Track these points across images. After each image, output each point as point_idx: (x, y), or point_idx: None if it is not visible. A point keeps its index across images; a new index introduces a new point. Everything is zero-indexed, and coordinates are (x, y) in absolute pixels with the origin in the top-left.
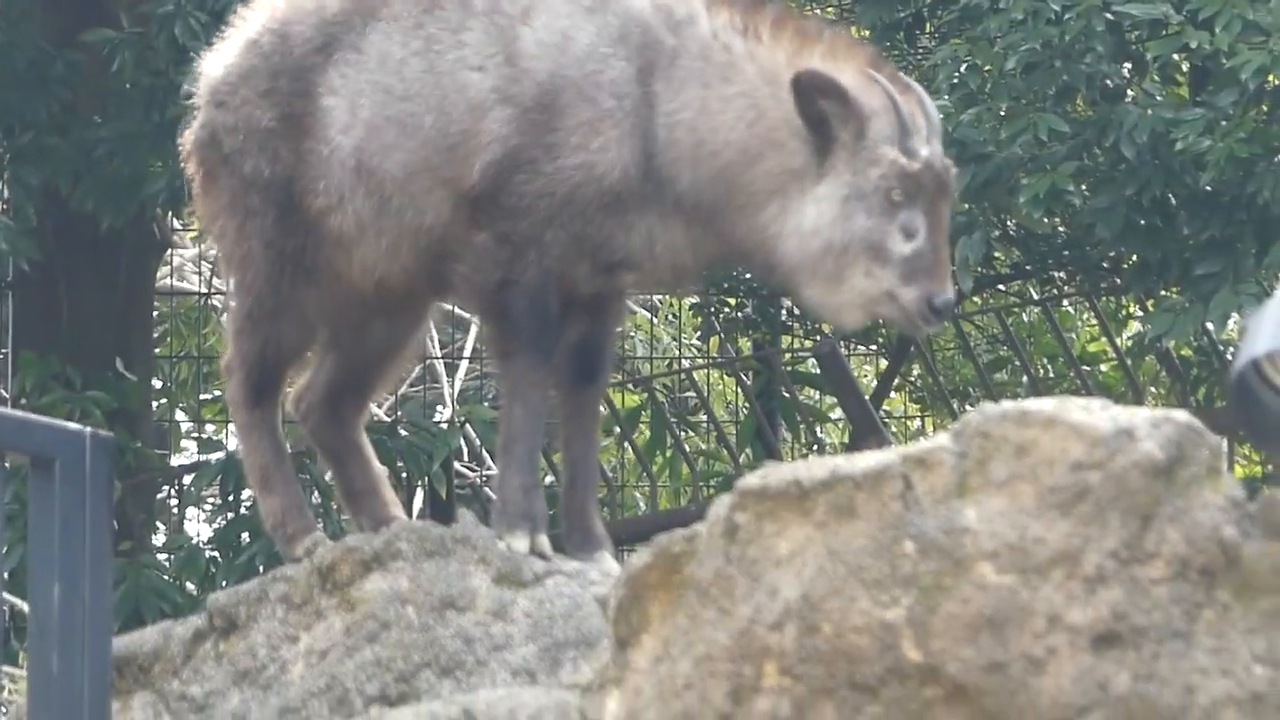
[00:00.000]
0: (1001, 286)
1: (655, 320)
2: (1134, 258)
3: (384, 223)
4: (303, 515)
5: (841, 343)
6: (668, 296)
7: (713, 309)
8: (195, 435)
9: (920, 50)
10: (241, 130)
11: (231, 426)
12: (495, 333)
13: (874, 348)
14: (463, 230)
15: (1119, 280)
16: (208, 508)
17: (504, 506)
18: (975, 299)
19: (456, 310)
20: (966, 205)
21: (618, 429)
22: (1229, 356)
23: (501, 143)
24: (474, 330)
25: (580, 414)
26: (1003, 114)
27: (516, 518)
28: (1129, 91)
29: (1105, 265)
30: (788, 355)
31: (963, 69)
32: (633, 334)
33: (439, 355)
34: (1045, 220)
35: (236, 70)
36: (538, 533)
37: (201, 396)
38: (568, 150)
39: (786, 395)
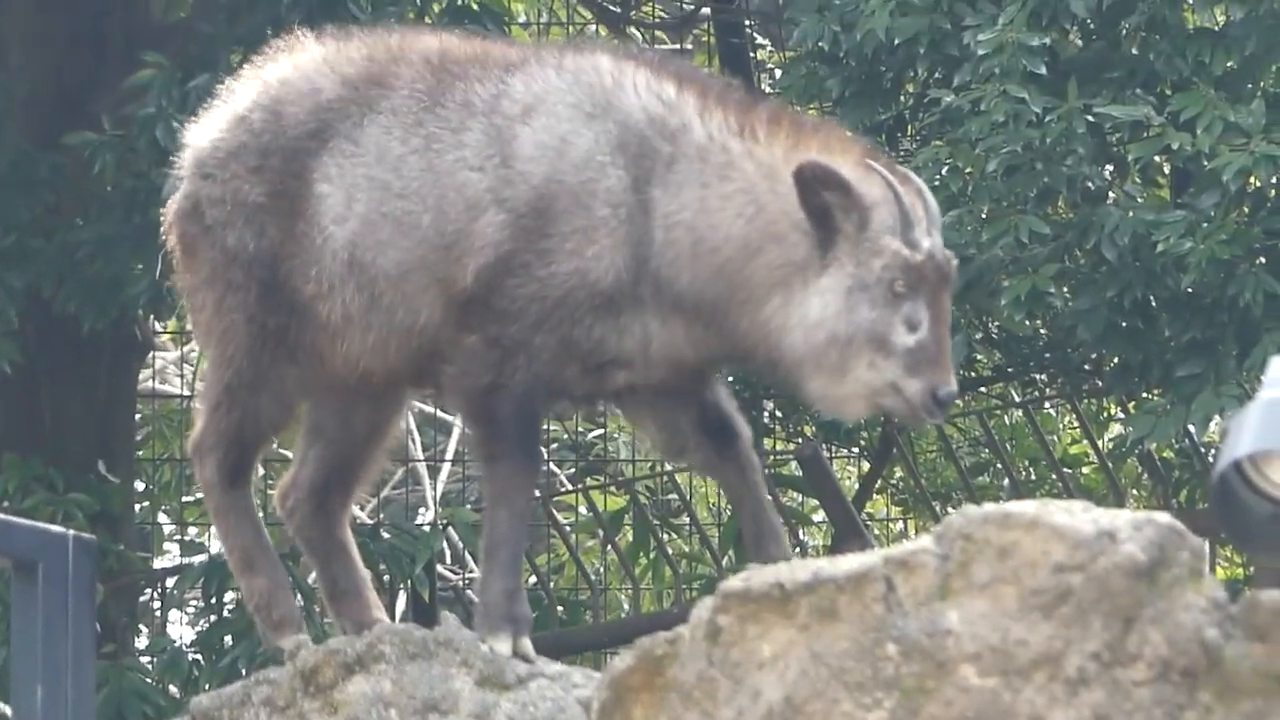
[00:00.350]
0: (983, 389)
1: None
2: (1115, 360)
3: (373, 318)
4: (287, 599)
5: (824, 445)
6: None
7: None
8: (178, 538)
9: (902, 152)
10: (228, 203)
11: (213, 529)
12: (482, 436)
13: (855, 450)
14: (452, 332)
15: (1100, 382)
16: (190, 610)
17: (487, 610)
18: (958, 401)
19: (439, 413)
20: None
21: (600, 531)
22: (1211, 459)
23: (495, 247)
24: (455, 433)
25: (739, 475)
26: (984, 216)
27: (500, 620)
28: (1110, 193)
29: (1087, 367)
30: (770, 458)
31: (944, 171)
32: (615, 435)
33: (421, 458)
34: (1027, 322)
35: (225, 144)
36: (520, 635)
37: (184, 499)
38: (561, 256)
39: (769, 498)
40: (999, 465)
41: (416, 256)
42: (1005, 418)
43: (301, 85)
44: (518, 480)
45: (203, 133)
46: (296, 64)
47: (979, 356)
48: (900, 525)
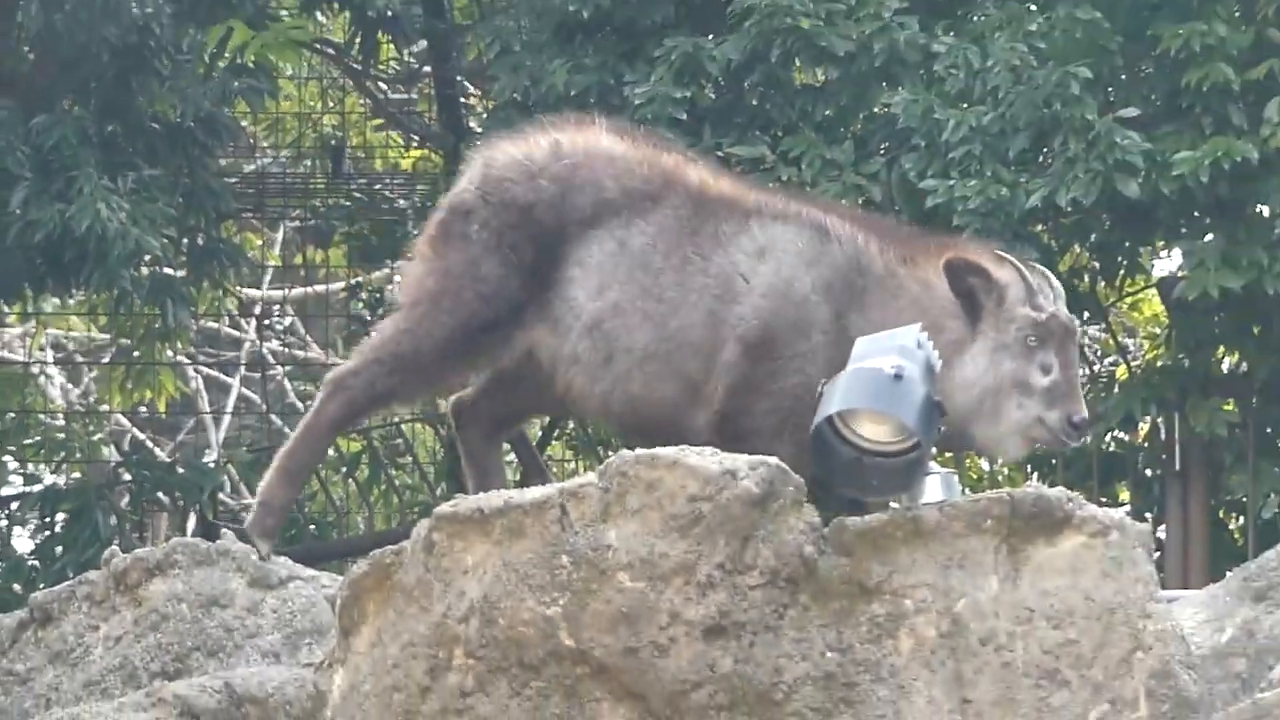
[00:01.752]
0: None
1: None
2: None
3: (605, 373)
4: (283, 518)
5: None
6: None
7: None
8: (21, 472)
9: None
10: (494, 238)
11: (48, 467)
12: None
13: None
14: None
15: None
16: (30, 527)
17: None
18: None
19: (221, 376)
20: None
21: (344, 468)
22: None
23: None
24: (234, 392)
25: None
26: None
27: None
28: None
29: None
30: None
31: None
32: None
33: (208, 411)
34: None
35: (517, 194)
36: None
37: (24, 442)
38: (789, 372)
39: None
40: None
41: (662, 350)
42: None
43: (590, 175)
44: None
45: (500, 157)
46: (591, 150)
47: None
48: (573, 465)
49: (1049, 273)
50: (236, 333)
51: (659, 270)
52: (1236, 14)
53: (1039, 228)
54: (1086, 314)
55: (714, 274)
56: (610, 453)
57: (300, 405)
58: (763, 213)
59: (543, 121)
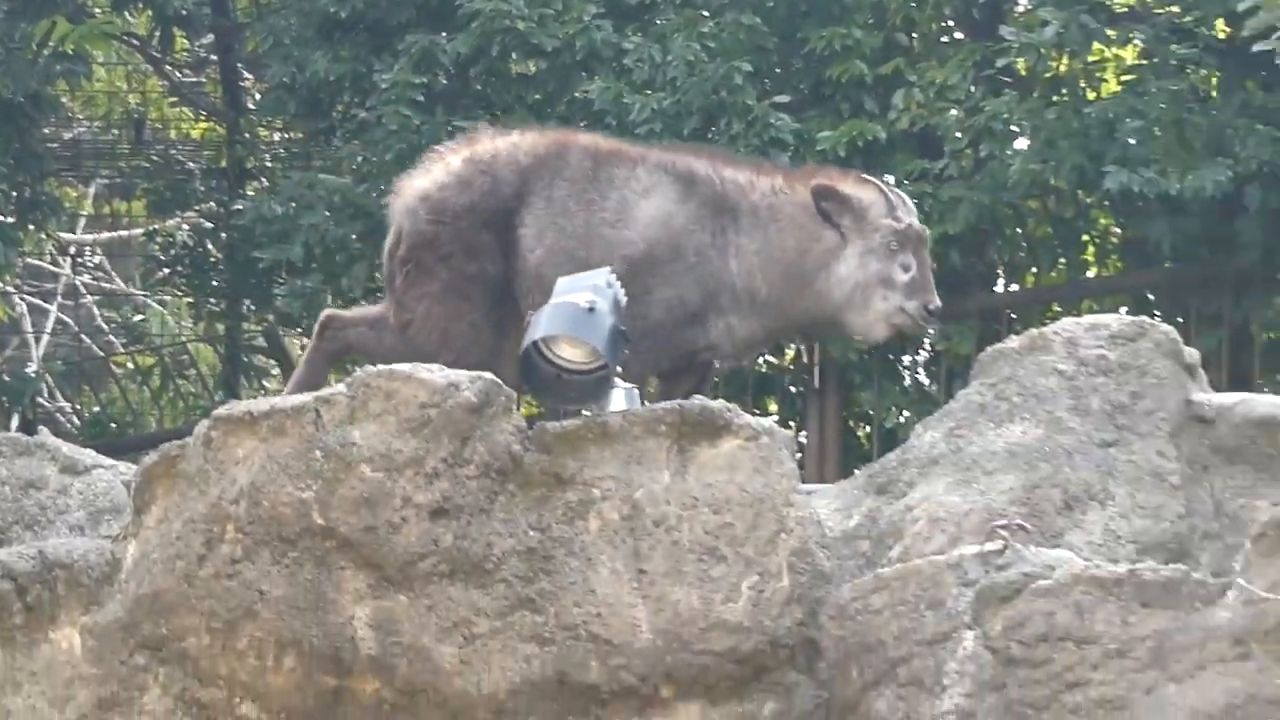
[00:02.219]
0: (379, 294)
1: (166, 311)
2: None
3: None
4: None
5: (279, 328)
6: (179, 296)
7: (204, 304)
8: None
9: (334, 148)
10: (464, 243)
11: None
12: None
13: (298, 330)
14: None
15: None
16: None
17: None
18: (364, 302)
19: (42, 303)
20: None
21: (140, 378)
22: (521, 340)
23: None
24: (52, 318)
25: None
26: (383, 189)
27: None
28: None
29: None
30: (247, 333)
31: (359, 160)
32: (147, 319)
33: (31, 331)
34: None
35: (456, 201)
36: None
37: None
38: (662, 285)
39: (246, 360)
40: None
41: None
42: None
43: (506, 158)
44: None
45: (428, 185)
46: (497, 145)
47: (376, 274)
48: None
49: (903, 193)
50: (55, 268)
51: (574, 213)
52: (870, 20)
53: None
54: None
55: (610, 208)
56: (358, 368)
57: (106, 327)
58: (647, 160)
59: (437, 150)
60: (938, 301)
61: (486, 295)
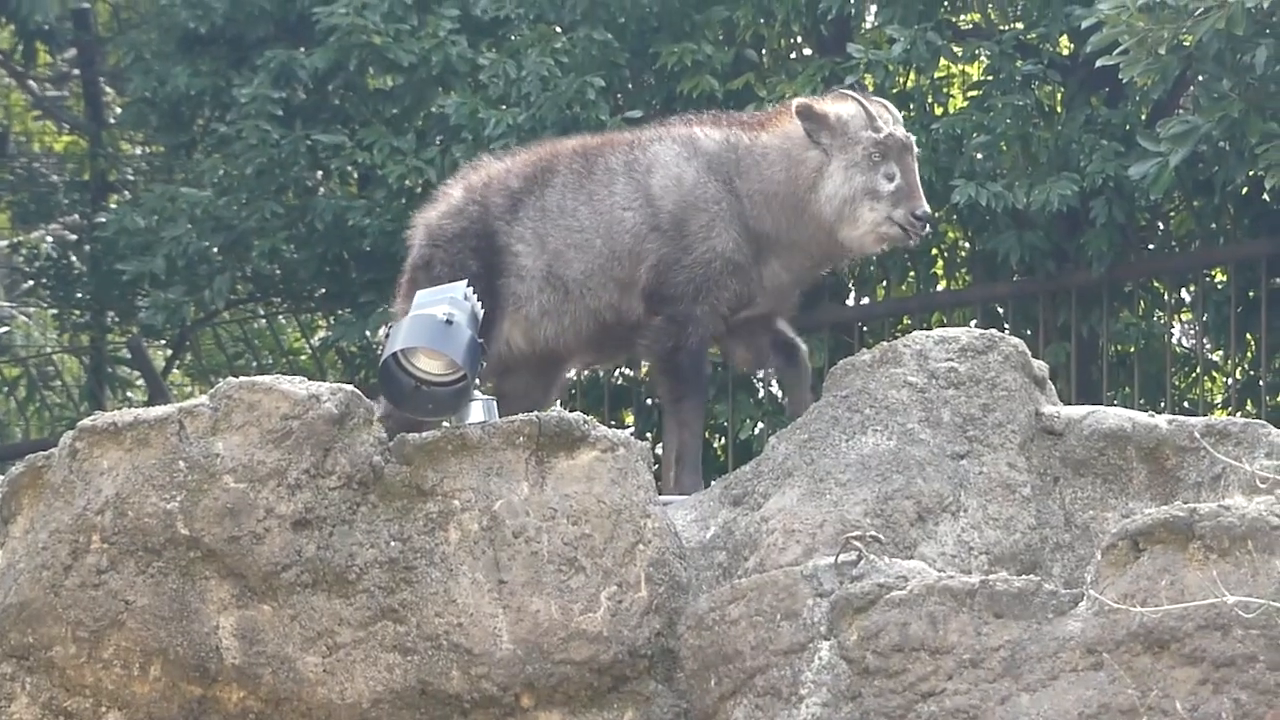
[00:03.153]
0: (241, 306)
1: (31, 322)
2: (324, 290)
3: (566, 308)
4: None
5: (147, 341)
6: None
7: (68, 316)
8: None
9: (195, 161)
10: (454, 267)
11: None
12: (668, 384)
13: (162, 342)
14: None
15: (314, 304)
16: None
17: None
18: (226, 314)
19: None
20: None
21: (5, 388)
22: (379, 352)
23: (656, 254)
24: None
25: (796, 376)
26: (245, 200)
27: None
28: (320, 189)
29: (307, 294)
30: (111, 345)
31: (220, 173)
32: (12, 331)
33: None
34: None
35: (450, 228)
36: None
37: None
38: (698, 243)
39: (110, 371)
40: (253, 358)
41: (596, 265)
42: (254, 325)
43: (498, 183)
44: (696, 412)
45: (433, 214)
46: (491, 171)
47: (239, 287)
48: (191, 390)
49: (887, 103)
50: None
51: (574, 210)
52: (720, 37)
53: None
54: None
55: (619, 192)
56: (220, 380)
57: None
58: (640, 140)
59: (446, 182)
60: (925, 207)
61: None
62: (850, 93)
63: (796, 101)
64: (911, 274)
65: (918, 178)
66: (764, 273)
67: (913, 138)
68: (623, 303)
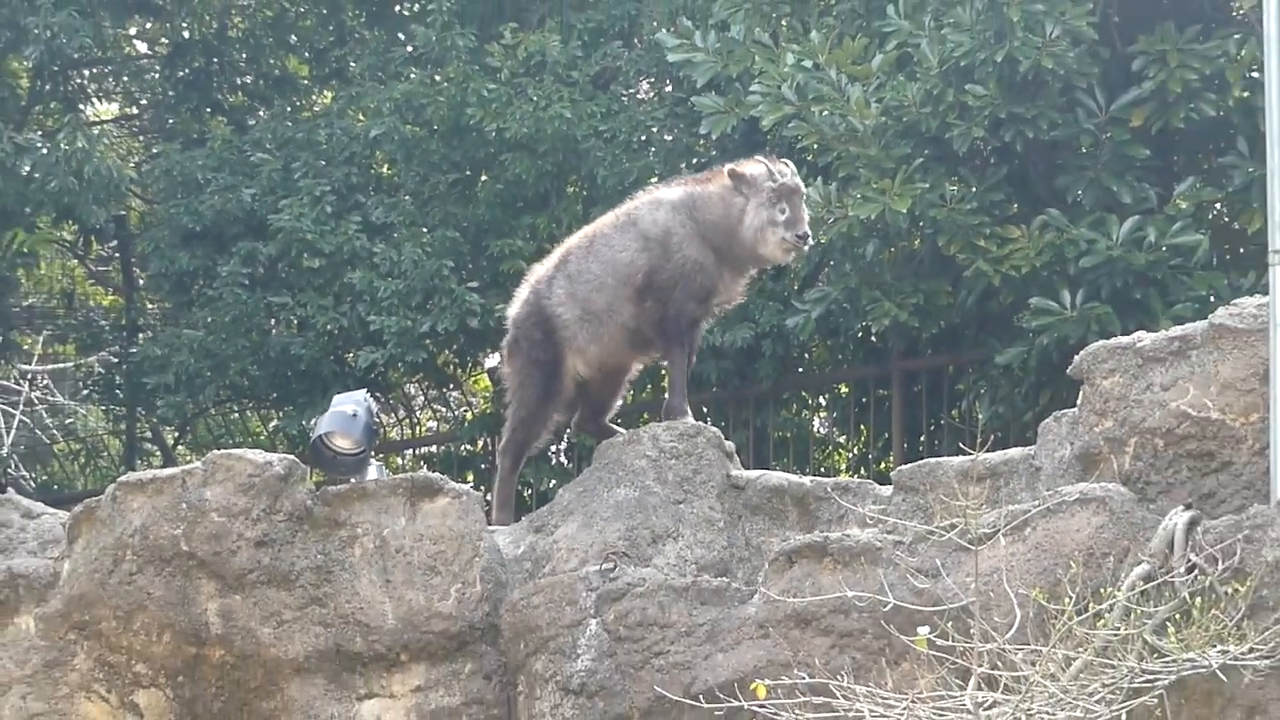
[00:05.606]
0: (223, 405)
1: (88, 415)
2: (274, 395)
3: (598, 331)
4: (511, 514)
5: (162, 428)
6: None
7: (112, 411)
8: None
9: None
10: (529, 342)
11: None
12: (663, 344)
13: (172, 428)
14: (637, 309)
15: (269, 405)
16: None
17: (673, 410)
18: (213, 411)
19: None
20: None
21: (72, 456)
22: (311, 435)
23: (646, 270)
24: (16, 419)
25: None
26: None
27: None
28: (273, 332)
29: (264, 398)
30: (139, 430)
31: None
32: (75, 421)
33: (2, 427)
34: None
35: (524, 316)
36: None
37: None
38: (675, 253)
39: (139, 446)
40: (228, 437)
41: (612, 294)
42: (232, 417)
43: (545, 276)
44: (680, 360)
45: (514, 309)
46: (538, 270)
47: (221, 393)
48: (190, 459)
49: (787, 160)
50: (17, 387)
51: (588, 268)
52: (528, 235)
53: None
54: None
55: (615, 243)
56: (208, 452)
57: (50, 425)
58: (621, 210)
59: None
60: (806, 229)
61: (539, 372)
62: (761, 159)
63: (727, 168)
64: (649, 387)
65: (803, 211)
66: (721, 274)
67: (800, 182)
68: (637, 311)
